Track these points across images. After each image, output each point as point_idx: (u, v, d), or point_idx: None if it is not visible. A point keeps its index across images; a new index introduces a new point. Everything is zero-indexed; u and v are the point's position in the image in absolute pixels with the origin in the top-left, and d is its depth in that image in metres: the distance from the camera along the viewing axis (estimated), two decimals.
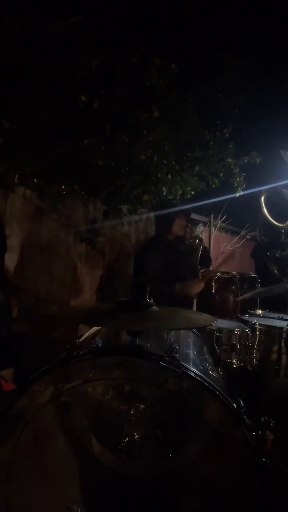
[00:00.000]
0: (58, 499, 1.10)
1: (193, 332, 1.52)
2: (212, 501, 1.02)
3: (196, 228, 6.11)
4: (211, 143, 4.42)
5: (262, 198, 3.72)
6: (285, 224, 3.81)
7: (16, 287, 3.00)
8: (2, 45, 2.86)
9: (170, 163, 4.05)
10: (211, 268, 3.93)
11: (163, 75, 3.90)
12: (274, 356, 1.94)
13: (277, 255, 3.77)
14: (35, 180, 3.14)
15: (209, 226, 6.48)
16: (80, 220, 3.79)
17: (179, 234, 2.94)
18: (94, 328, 1.37)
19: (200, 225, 6.25)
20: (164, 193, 4.09)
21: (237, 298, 3.32)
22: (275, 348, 1.94)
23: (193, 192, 4.51)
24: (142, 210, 4.39)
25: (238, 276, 4.13)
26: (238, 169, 4.70)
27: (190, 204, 3.85)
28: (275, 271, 3.71)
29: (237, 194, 4.92)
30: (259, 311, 2.44)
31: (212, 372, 1.16)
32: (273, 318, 2.23)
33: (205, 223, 6.38)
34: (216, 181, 4.64)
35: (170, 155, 4.05)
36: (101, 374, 0.93)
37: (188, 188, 4.41)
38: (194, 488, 1.10)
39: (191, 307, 2.70)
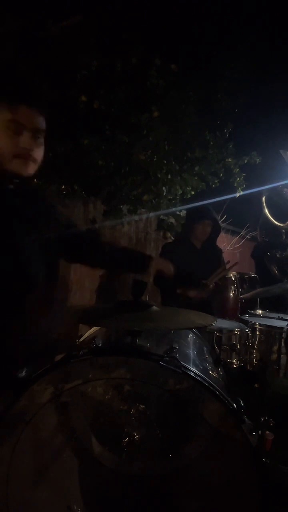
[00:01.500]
0: (58, 499, 1.10)
1: (193, 332, 1.52)
2: (212, 501, 1.02)
3: None
4: (211, 143, 4.42)
5: (263, 198, 3.72)
6: (286, 224, 3.81)
7: None
8: (2, 45, 2.86)
9: (170, 163, 4.05)
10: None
11: (163, 75, 3.91)
12: (274, 356, 1.94)
13: (278, 256, 3.77)
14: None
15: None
16: (80, 220, 3.79)
17: (203, 239, 2.76)
18: (94, 328, 1.37)
19: None
20: (164, 193, 4.09)
21: (241, 296, 3.29)
22: (275, 348, 1.94)
23: (193, 192, 4.51)
24: (142, 210, 4.39)
25: (238, 276, 4.13)
26: (238, 169, 4.70)
27: (190, 204, 3.85)
28: (275, 271, 3.71)
29: (237, 194, 4.92)
30: (259, 311, 2.44)
31: (212, 372, 1.16)
32: (273, 318, 2.23)
33: None
34: (216, 181, 4.64)
35: (170, 155, 4.05)
36: (101, 374, 0.93)
37: (188, 188, 4.41)
38: (194, 488, 1.10)
39: (210, 310, 2.56)
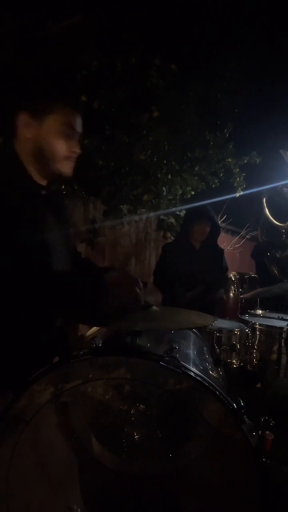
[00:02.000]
0: (58, 499, 1.10)
1: (193, 332, 1.52)
2: (212, 501, 1.02)
3: None
4: (211, 143, 4.42)
5: (264, 198, 3.72)
6: (286, 224, 3.81)
7: None
8: (2, 45, 2.86)
9: (170, 163, 4.05)
10: None
11: (163, 75, 3.91)
12: (274, 356, 1.94)
13: (277, 256, 3.76)
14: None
15: None
16: (80, 220, 3.79)
17: (201, 240, 2.75)
18: (94, 328, 1.37)
19: None
20: (164, 193, 4.09)
21: (241, 296, 3.28)
22: (275, 348, 1.94)
23: (193, 192, 4.51)
24: (142, 210, 4.39)
25: (238, 276, 4.13)
26: (238, 169, 4.71)
27: (190, 204, 3.85)
28: (275, 271, 3.70)
29: (237, 194, 4.93)
30: (259, 311, 2.44)
31: (212, 372, 1.16)
32: (273, 318, 2.23)
33: None
34: (216, 181, 4.64)
35: (170, 155, 4.05)
36: (101, 374, 0.93)
37: (188, 188, 4.41)
38: (194, 488, 1.10)
39: (212, 311, 2.56)
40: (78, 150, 1.19)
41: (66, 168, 1.18)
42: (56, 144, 1.13)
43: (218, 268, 2.78)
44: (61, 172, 1.17)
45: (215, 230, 2.86)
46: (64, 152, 1.15)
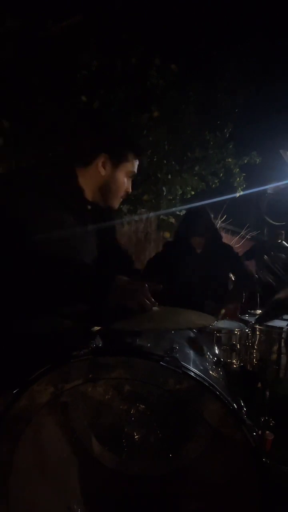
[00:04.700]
0: (59, 499, 1.10)
1: (193, 332, 1.52)
2: (212, 501, 1.02)
3: None
4: (211, 143, 4.43)
5: (265, 198, 3.73)
6: (283, 223, 3.81)
7: None
8: (2, 45, 2.86)
9: (170, 163, 4.05)
10: None
11: (163, 75, 3.91)
12: (274, 356, 1.94)
13: (265, 258, 3.73)
14: None
15: None
16: None
17: (201, 242, 2.61)
18: (94, 328, 1.37)
19: None
20: (164, 193, 4.09)
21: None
22: (275, 348, 1.94)
23: (193, 192, 4.51)
24: (142, 210, 4.39)
25: None
26: (238, 169, 4.71)
27: (190, 204, 3.85)
28: (269, 275, 3.67)
29: (237, 194, 4.93)
30: (259, 311, 2.44)
31: (212, 372, 1.16)
32: None
33: None
34: (216, 181, 4.65)
35: (170, 155, 4.05)
36: (101, 374, 0.93)
37: (188, 188, 4.41)
38: (194, 488, 1.10)
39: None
40: (130, 191, 1.39)
41: (117, 204, 1.39)
42: (121, 185, 1.34)
43: (233, 266, 2.71)
44: (112, 206, 1.37)
45: (215, 235, 2.74)
46: (123, 193, 1.36)
